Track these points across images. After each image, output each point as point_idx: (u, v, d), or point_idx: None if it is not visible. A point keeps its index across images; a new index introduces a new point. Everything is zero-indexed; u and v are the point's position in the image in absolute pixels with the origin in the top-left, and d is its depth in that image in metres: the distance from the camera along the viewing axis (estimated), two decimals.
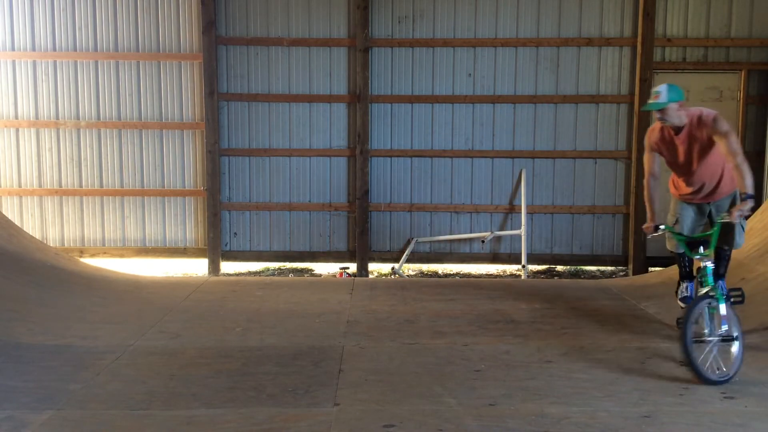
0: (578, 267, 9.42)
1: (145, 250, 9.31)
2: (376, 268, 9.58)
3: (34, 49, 9.06)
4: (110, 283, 7.70)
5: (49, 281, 7.09)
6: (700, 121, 5.15)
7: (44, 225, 9.24)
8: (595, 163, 9.15)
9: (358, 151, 9.06)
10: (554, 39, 8.98)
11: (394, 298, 7.11)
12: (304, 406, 4.35)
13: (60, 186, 9.21)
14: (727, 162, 5.18)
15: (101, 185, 9.22)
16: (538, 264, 9.38)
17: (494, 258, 9.34)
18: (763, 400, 4.43)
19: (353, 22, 8.99)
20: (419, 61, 9.06)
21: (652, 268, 9.05)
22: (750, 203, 4.91)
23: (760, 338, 5.52)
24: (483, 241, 9.18)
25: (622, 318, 6.37)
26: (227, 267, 9.43)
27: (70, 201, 9.24)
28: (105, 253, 9.27)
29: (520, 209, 9.06)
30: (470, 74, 9.07)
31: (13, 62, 9.08)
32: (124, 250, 9.28)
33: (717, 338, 4.77)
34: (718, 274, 5.31)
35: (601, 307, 6.80)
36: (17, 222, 8.96)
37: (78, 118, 9.15)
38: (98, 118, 9.14)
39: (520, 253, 9.02)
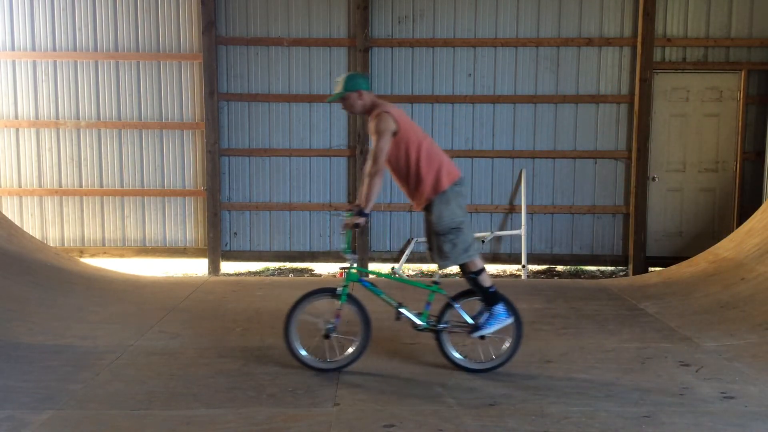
0: (578, 267, 9.42)
1: (145, 250, 9.31)
2: (376, 268, 9.58)
3: (34, 49, 9.06)
4: (110, 283, 7.70)
5: (49, 281, 7.10)
6: (372, 114, 4.83)
7: (44, 225, 9.24)
8: (595, 163, 9.15)
9: (358, 151, 9.06)
10: (554, 39, 8.98)
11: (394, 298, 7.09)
12: (304, 406, 4.36)
13: (60, 186, 9.21)
14: (422, 168, 4.76)
15: (101, 185, 9.22)
16: (538, 264, 9.38)
17: (494, 258, 9.34)
18: (763, 400, 4.43)
19: (353, 22, 8.99)
20: (419, 61, 9.07)
21: (652, 268, 9.06)
22: (359, 219, 4.62)
23: (759, 338, 5.52)
24: (483, 241, 9.18)
25: (622, 318, 6.37)
26: (227, 267, 9.42)
27: (70, 201, 9.24)
28: (105, 253, 9.27)
29: (520, 209, 9.06)
30: (470, 74, 9.08)
31: (13, 62, 9.08)
32: (124, 250, 9.28)
33: (327, 328, 4.88)
34: (483, 300, 4.89)
35: (601, 307, 6.81)
36: (17, 222, 8.97)
37: (78, 118, 9.15)
38: (98, 118, 9.14)
39: (520, 253, 9.02)
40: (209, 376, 4.86)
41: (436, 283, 5.00)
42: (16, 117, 9.14)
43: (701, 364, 5.07)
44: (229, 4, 9.00)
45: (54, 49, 9.06)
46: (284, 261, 9.46)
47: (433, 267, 9.55)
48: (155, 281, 8.32)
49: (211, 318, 6.40)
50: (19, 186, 9.22)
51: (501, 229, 9.23)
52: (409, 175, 4.83)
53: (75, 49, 9.06)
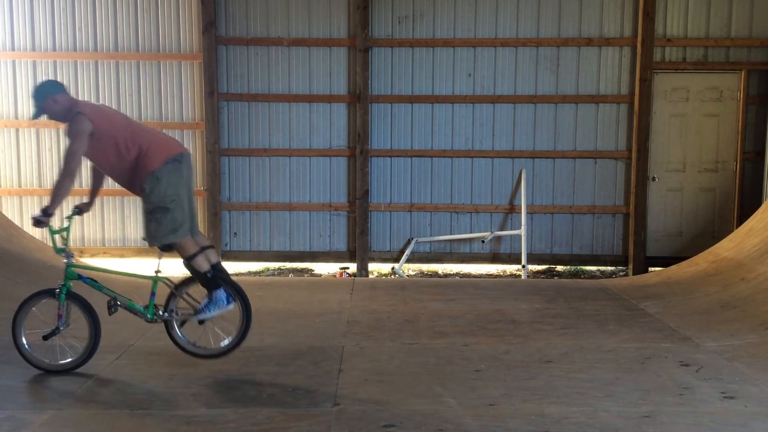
0: (578, 267, 9.42)
1: (145, 250, 9.29)
2: (376, 268, 9.58)
3: (34, 49, 9.06)
4: (110, 284, 7.68)
5: (49, 281, 7.07)
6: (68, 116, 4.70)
7: None
8: (595, 163, 9.15)
9: (358, 151, 9.06)
10: (554, 39, 8.98)
11: (394, 298, 7.11)
12: (304, 406, 4.35)
13: None
14: (131, 155, 4.70)
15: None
16: (538, 264, 9.38)
17: (494, 258, 9.34)
18: (763, 400, 4.42)
19: (353, 22, 8.99)
20: (419, 61, 9.07)
21: (652, 268, 9.06)
22: (40, 217, 4.63)
23: (759, 338, 5.52)
24: (483, 241, 9.18)
25: (622, 318, 6.37)
26: (227, 267, 9.39)
27: (70, 201, 9.22)
28: (105, 253, 9.27)
29: (520, 209, 9.06)
30: (470, 74, 9.08)
31: (13, 62, 9.08)
32: (124, 250, 9.28)
33: (57, 330, 4.81)
34: (202, 285, 4.91)
35: (601, 307, 6.80)
36: (17, 222, 8.97)
37: None
38: None
39: (520, 253, 9.02)
40: (209, 376, 4.86)
41: (157, 272, 4.96)
42: (16, 117, 9.14)
43: (701, 364, 5.07)
44: (229, 4, 9.00)
45: (54, 49, 9.06)
46: (284, 261, 9.46)
47: (434, 267, 9.55)
48: None
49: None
50: (19, 186, 9.22)
51: (501, 229, 9.24)
52: (122, 168, 4.75)
53: (75, 49, 9.06)
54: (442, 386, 4.69)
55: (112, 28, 9.05)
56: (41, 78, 9.05)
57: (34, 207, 9.22)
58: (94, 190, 5.22)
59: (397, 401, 4.44)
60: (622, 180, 9.16)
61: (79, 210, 5.07)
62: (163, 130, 9.14)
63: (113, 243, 9.27)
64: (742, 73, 8.96)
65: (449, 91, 9.08)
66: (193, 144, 9.18)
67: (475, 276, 9.30)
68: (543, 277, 9.16)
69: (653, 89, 9.01)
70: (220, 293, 4.83)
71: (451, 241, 9.29)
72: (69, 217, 5.00)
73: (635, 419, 4.13)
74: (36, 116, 4.84)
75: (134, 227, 9.26)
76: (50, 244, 8.96)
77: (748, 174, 9.09)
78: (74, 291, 4.88)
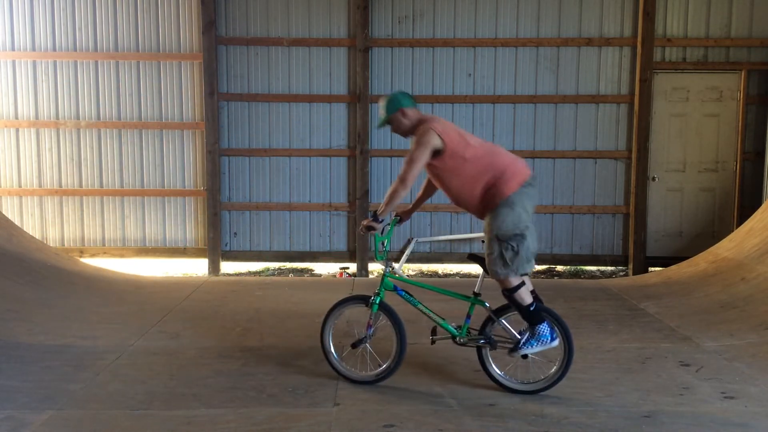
0: (578, 267, 9.42)
1: (145, 250, 9.30)
2: (376, 268, 9.57)
3: (34, 49, 9.06)
4: (110, 283, 7.71)
5: (49, 281, 7.10)
6: (417, 128, 4.64)
7: (44, 225, 9.24)
8: (595, 163, 9.15)
9: (358, 151, 9.06)
10: (554, 39, 8.97)
11: (394, 299, 7.09)
12: (304, 406, 4.36)
13: (60, 186, 9.21)
14: (485, 180, 4.53)
15: (101, 185, 9.22)
16: (538, 264, 9.37)
17: None
18: (763, 400, 4.43)
19: (353, 22, 8.99)
20: (419, 61, 9.06)
21: (652, 268, 9.06)
22: (373, 223, 4.54)
23: (759, 338, 5.52)
24: (483, 241, 9.15)
25: (622, 318, 6.37)
26: (227, 267, 9.42)
27: (70, 201, 9.24)
28: (105, 253, 9.27)
29: None
30: (470, 74, 9.08)
31: (13, 62, 9.08)
32: (124, 250, 9.28)
33: (365, 339, 4.76)
34: (523, 318, 4.50)
35: (601, 307, 6.81)
36: (17, 222, 8.97)
37: (78, 118, 9.15)
38: (98, 118, 9.14)
39: None
40: (209, 376, 4.86)
41: (476, 294, 4.71)
42: (16, 117, 9.14)
43: (701, 364, 5.07)
44: (229, 4, 8.99)
45: (54, 49, 9.05)
46: (284, 261, 9.46)
47: (433, 267, 9.55)
48: (155, 281, 8.33)
49: (211, 318, 6.40)
50: (19, 186, 9.21)
51: None
52: (469, 192, 4.57)
53: (75, 49, 9.05)
54: (442, 386, 4.69)
55: (112, 28, 9.05)
56: (41, 78, 9.07)
57: (34, 207, 9.22)
58: (420, 201, 5.12)
59: (397, 401, 4.44)
60: (622, 180, 9.16)
61: (399, 218, 4.99)
62: (164, 130, 9.17)
63: (113, 243, 9.26)
64: (742, 73, 8.96)
65: (449, 91, 9.08)
66: (193, 144, 9.19)
67: (475, 276, 9.28)
68: (543, 277, 9.15)
69: (653, 89, 9.01)
70: (544, 328, 4.39)
71: (451, 241, 9.28)
72: (390, 225, 4.86)
73: (635, 419, 4.14)
74: (381, 125, 4.75)
75: (134, 227, 9.26)
76: (50, 243, 8.89)
77: (748, 174, 9.08)
78: (385, 302, 4.75)
